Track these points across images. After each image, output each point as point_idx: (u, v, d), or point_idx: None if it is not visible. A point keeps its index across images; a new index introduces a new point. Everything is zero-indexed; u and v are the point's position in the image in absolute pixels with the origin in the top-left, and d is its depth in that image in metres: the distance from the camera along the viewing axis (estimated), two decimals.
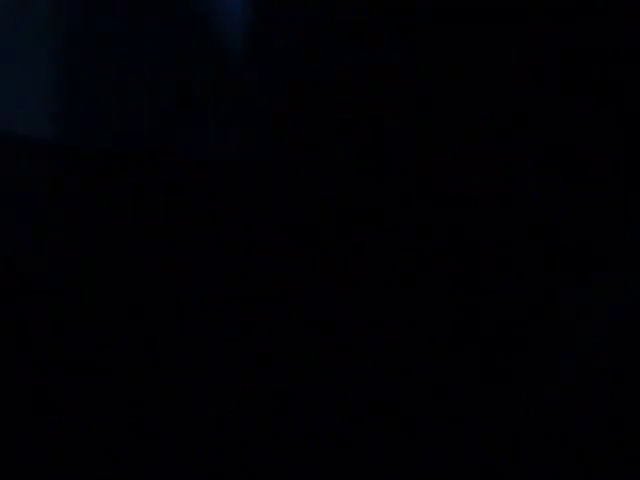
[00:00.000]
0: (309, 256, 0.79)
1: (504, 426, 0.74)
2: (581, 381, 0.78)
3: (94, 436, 0.65)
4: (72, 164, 0.79)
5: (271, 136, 0.79)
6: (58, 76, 0.85)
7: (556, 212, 0.78)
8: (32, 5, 0.83)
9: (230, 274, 0.75)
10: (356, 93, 0.82)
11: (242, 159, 0.79)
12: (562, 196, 0.78)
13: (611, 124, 0.77)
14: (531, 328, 0.80)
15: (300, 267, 0.78)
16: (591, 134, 0.78)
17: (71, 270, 0.69)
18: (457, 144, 0.80)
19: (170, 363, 0.77)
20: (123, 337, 0.72)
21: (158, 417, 0.71)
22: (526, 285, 0.80)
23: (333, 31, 0.82)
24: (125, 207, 0.73)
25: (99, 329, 0.73)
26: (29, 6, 0.83)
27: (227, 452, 0.65)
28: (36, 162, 0.80)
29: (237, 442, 0.67)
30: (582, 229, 0.79)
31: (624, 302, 0.80)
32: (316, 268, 0.80)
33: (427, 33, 0.79)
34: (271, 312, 0.79)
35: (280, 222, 0.79)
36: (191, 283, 0.71)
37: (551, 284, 0.80)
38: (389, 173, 0.82)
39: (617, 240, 0.78)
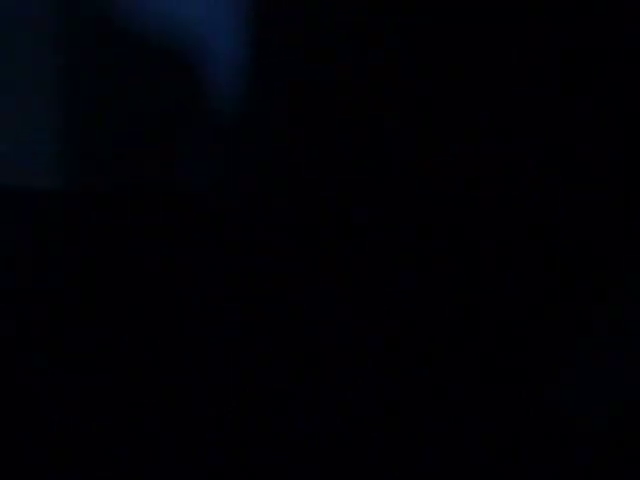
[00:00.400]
0: (309, 256, 0.79)
1: (504, 426, 0.74)
2: (581, 381, 0.78)
3: (94, 436, 0.65)
4: (73, 208, 0.79)
5: (269, 168, 0.79)
6: (57, 124, 0.86)
7: (556, 212, 0.78)
8: (31, 56, 0.84)
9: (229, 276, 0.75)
10: (356, 93, 0.82)
11: (242, 190, 0.79)
12: (562, 196, 0.78)
13: (611, 124, 0.77)
14: (531, 328, 0.80)
15: (300, 267, 0.78)
16: (591, 134, 0.78)
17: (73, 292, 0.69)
18: (457, 144, 0.80)
19: (170, 363, 0.77)
20: (123, 337, 0.72)
21: (158, 417, 0.71)
22: (526, 285, 0.80)
23: (332, 33, 0.82)
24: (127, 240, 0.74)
25: (99, 329, 0.73)
26: (27, 56, 0.85)
27: (227, 452, 0.65)
28: (37, 208, 0.80)
29: (237, 442, 0.67)
30: (582, 229, 0.79)
31: (624, 303, 0.80)
32: (316, 268, 0.80)
33: (427, 32, 0.80)
34: (271, 312, 0.79)
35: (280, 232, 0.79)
36: (191, 284, 0.71)
37: (551, 284, 0.80)
38: (389, 173, 0.82)
39: (616, 240, 0.78)
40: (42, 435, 0.65)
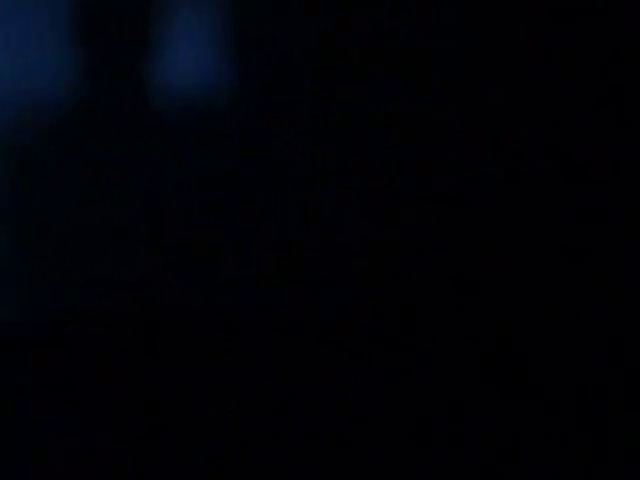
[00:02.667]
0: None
1: (504, 426, 0.74)
2: (581, 381, 0.78)
3: (95, 434, 0.65)
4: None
5: None
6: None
7: (555, 212, 0.78)
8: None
9: None
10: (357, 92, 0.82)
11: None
12: (562, 196, 0.78)
13: (611, 124, 0.77)
14: (531, 328, 0.80)
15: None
16: (591, 134, 0.78)
17: None
18: (457, 144, 0.80)
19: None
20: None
21: (158, 417, 0.71)
22: (526, 285, 0.80)
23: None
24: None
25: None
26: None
27: (227, 452, 0.64)
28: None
29: (237, 442, 0.67)
30: (582, 229, 0.79)
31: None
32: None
33: (429, 32, 0.80)
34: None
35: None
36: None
37: (550, 283, 0.80)
38: (390, 173, 0.82)
39: (616, 240, 0.78)
40: (42, 433, 0.65)
